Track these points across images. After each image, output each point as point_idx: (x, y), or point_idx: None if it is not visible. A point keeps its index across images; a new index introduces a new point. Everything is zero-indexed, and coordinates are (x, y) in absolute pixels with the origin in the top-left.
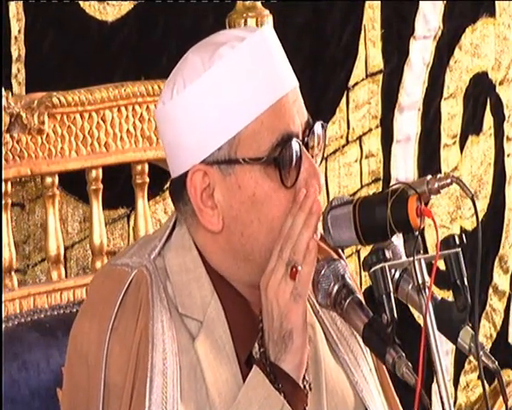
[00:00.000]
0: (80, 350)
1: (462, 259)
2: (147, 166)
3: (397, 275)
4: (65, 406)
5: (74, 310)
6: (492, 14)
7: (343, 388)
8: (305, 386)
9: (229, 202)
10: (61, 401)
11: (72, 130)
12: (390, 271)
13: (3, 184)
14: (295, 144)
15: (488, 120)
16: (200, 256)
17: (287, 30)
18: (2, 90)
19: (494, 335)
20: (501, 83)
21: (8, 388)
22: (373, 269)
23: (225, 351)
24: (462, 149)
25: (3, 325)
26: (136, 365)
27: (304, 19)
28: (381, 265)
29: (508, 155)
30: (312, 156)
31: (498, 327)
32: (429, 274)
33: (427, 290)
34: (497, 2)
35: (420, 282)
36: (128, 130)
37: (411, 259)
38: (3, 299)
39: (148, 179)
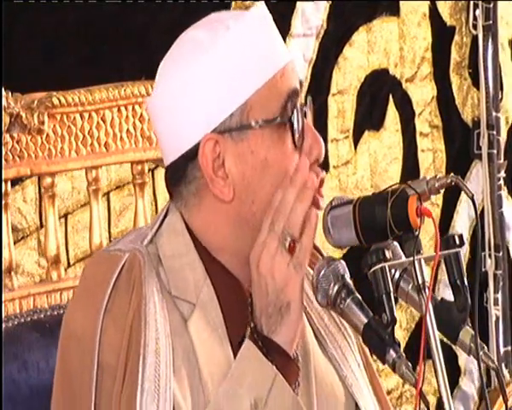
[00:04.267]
0: (74, 333)
1: (462, 259)
2: (147, 167)
3: (397, 275)
4: (57, 391)
5: None
6: (395, 13)
7: (332, 381)
8: (296, 358)
9: (241, 169)
10: (53, 388)
11: (72, 130)
12: (390, 271)
13: (3, 184)
14: (299, 108)
15: (393, 115)
16: (193, 241)
17: None
18: (2, 90)
19: (413, 326)
20: (409, 80)
21: (8, 388)
22: (373, 269)
23: (218, 334)
24: (356, 143)
25: (3, 325)
26: (128, 343)
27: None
28: (381, 265)
29: (422, 151)
30: None
31: (417, 319)
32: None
33: (427, 290)
34: (401, 2)
35: (420, 282)
36: (128, 130)
37: (411, 259)
38: (3, 299)
39: (147, 179)
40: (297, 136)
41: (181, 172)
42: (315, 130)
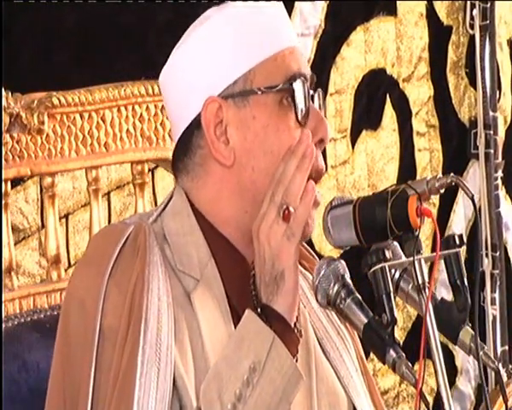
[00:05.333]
0: (77, 297)
1: (462, 259)
2: (147, 167)
3: (397, 275)
4: (57, 357)
5: None
6: (392, 12)
7: (332, 379)
8: (296, 330)
9: (242, 134)
10: (54, 354)
11: (72, 130)
12: (390, 271)
13: (3, 184)
14: (305, 86)
15: (390, 115)
16: (198, 222)
17: None
18: (2, 90)
19: (409, 326)
20: (406, 80)
21: (8, 388)
22: (373, 269)
23: (220, 310)
24: (353, 143)
25: (3, 325)
26: (130, 307)
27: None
28: (381, 265)
29: (419, 150)
30: None
31: (414, 318)
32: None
33: (427, 290)
34: (398, 1)
35: (420, 282)
36: (128, 130)
37: (411, 259)
38: (3, 299)
39: (147, 179)
40: (300, 112)
41: (187, 144)
42: (319, 111)
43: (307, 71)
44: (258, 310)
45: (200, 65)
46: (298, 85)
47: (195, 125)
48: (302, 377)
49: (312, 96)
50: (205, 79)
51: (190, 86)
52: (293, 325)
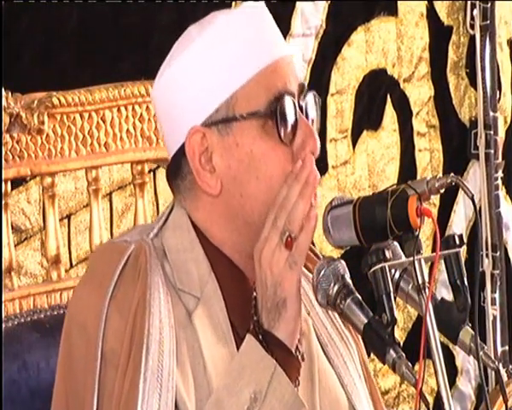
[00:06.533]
0: (78, 319)
1: (462, 259)
2: (147, 167)
3: (397, 275)
4: (60, 378)
5: None
6: (393, 12)
7: (336, 387)
8: (297, 356)
9: (227, 162)
10: (56, 375)
11: (72, 130)
12: (390, 271)
13: (3, 184)
14: (291, 102)
15: (390, 115)
16: (198, 237)
17: None
18: (2, 90)
19: (410, 326)
20: (407, 80)
21: (8, 388)
22: (373, 269)
23: (221, 329)
24: (354, 143)
25: (3, 325)
26: (132, 331)
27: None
28: (381, 265)
29: (419, 150)
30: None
31: (414, 318)
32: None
33: (427, 290)
34: (399, 1)
35: (420, 282)
36: (128, 130)
37: (411, 259)
38: (3, 299)
39: (147, 179)
40: (284, 130)
41: (178, 167)
42: (311, 125)
43: (294, 83)
44: (260, 337)
45: (183, 92)
46: (282, 104)
47: (183, 151)
48: (304, 406)
49: (301, 107)
50: (188, 107)
51: (176, 112)
52: (294, 350)
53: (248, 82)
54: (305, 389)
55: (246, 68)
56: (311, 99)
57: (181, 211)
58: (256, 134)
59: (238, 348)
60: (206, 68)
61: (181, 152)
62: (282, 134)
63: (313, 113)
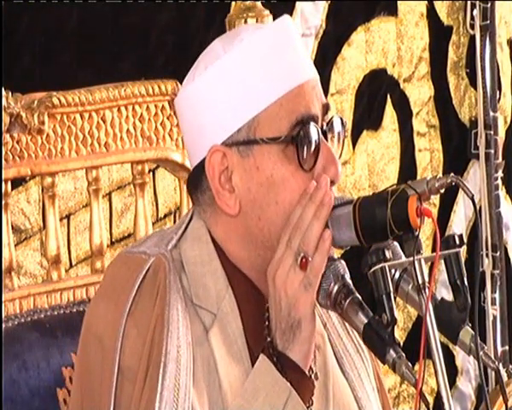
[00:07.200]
0: (95, 333)
1: (462, 259)
2: (147, 167)
3: (397, 275)
4: (76, 390)
5: (74, 310)
6: (393, 12)
7: (349, 401)
8: (311, 376)
9: (246, 184)
10: (72, 387)
11: (72, 130)
12: (390, 271)
13: (3, 184)
14: (313, 128)
15: (390, 115)
16: (216, 250)
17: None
18: (3, 90)
19: (410, 326)
20: (407, 80)
21: (8, 388)
22: (373, 269)
23: (237, 346)
24: (354, 143)
25: (3, 325)
26: (150, 349)
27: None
28: (381, 265)
29: (419, 150)
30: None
31: (414, 318)
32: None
33: (427, 290)
34: (399, 1)
35: (420, 282)
36: (128, 130)
37: (411, 259)
38: (3, 299)
39: (147, 180)
40: (305, 156)
41: (198, 180)
42: (331, 148)
43: (317, 105)
44: (274, 359)
45: (206, 109)
46: (303, 130)
47: (203, 166)
48: None
49: (324, 132)
50: (210, 124)
51: (197, 127)
52: (308, 371)
53: (272, 105)
54: (319, 407)
55: (270, 91)
56: (335, 121)
57: (200, 222)
58: (277, 159)
59: (253, 364)
60: (231, 88)
61: (201, 166)
62: (302, 160)
63: (339, 134)
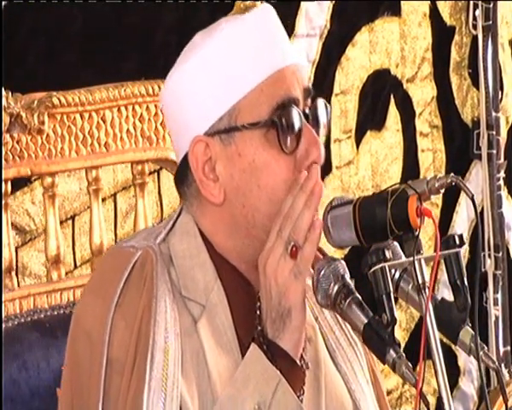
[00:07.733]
0: (84, 327)
1: (462, 259)
2: (147, 167)
3: (397, 275)
4: (66, 385)
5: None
6: (396, 12)
7: (342, 393)
8: (302, 365)
9: (229, 172)
10: (62, 381)
11: (72, 130)
12: (390, 271)
13: (3, 184)
14: (294, 111)
15: (393, 115)
16: (204, 243)
17: None
18: (3, 90)
19: (412, 326)
20: (410, 80)
21: (8, 388)
22: (373, 269)
23: (226, 337)
24: (358, 143)
25: (3, 325)
26: (137, 340)
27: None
28: (381, 265)
29: (422, 151)
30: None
31: (416, 319)
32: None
33: (427, 290)
34: (402, 1)
35: (420, 282)
36: (128, 130)
37: (411, 259)
38: (3, 299)
39: (148, 180)
40: (286, 140)
41: (184, 174)
42: (313, 131)
43: (298, 89)
44: (264, 347)
45: (187, 100)
46: (284, 113)
47: (188, 160)
48: None
49: (306, 114)
50: (192, 116)
51: (180, 120)
52: (298, 360)
53: (251, 91)
54: (310, 398)
55: (249, 77)
56: (318, 104)
57: (188, 217)
58: (258, 144)
59: (243, 357)
60: (210, 77)
61: (186, 159)
62: (284, 144)
63: (322, 117)
